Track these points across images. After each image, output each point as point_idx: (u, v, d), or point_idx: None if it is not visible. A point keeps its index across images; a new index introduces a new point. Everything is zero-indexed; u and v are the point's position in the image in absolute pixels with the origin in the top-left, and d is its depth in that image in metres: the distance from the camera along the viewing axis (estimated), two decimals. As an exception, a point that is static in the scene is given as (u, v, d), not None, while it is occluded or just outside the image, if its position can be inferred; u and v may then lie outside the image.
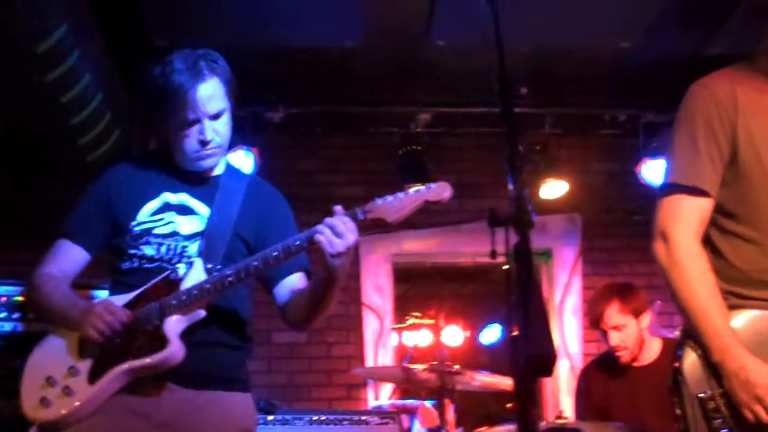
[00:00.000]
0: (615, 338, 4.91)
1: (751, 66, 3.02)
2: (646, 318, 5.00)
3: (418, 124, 7.02)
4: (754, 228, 2.88)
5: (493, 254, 2.11)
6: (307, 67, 6.48)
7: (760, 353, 2.72)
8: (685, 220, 2.88)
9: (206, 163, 3.23)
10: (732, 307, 2.82)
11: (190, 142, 3.16)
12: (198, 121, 3.12)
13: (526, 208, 2.07)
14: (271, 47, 6.16)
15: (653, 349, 5.00)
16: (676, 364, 2.82)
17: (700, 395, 2.74)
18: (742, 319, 2.80)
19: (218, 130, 3.16)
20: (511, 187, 2.13)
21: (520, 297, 1.95)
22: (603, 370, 5.13)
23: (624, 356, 4.93)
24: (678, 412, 2.80)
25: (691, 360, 2.79)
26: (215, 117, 3.14)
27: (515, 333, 1.90)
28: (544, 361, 1.84)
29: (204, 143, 3.15)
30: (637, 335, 4.93)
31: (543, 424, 4.59)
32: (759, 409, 2.65)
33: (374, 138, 7.45)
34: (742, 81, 2.96)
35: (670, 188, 2.93)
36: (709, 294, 2.79)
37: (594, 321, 5.00)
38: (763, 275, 2.84)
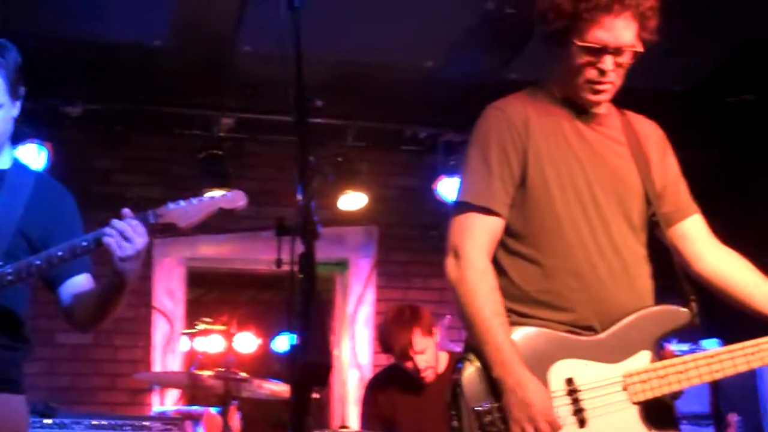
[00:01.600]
0: (422, 361, 4.93)
1: (542, 90, 3.13)
2: (438, 334, 5.09)
3: (221, 129, 6.95)
4: (537, 250, 2.96)
5: (279, 263, 2.11)
6: (110, 62, 6.31)
7: (534, 368, 2.80)
8: (477, 238, 2.93)
9: None
10: (512, 324, 2.88)
11: None
12: None
13: (313, 218, 2.08)
14: (72, 40, 5.96)
15: (441, 363, 5.09)
16: (456, 377, 2.86)
17: (476, 408, 2.79)
18: (519, 335, 2.87)
19: None
20: (299, 197, 2.13)
21: (301, 306, 1.96)
22: (390, 382, 5.17)
23: (429, 376, 4.98)
24: (455, 424, 2.83)
25: (469, 373, 2.83)
26: None
27: (293, 342, 1.91)
28: (319, 370, 1.85)
29: None
30: (435, 353, 5.01)
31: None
32: (529, 428, 2.72)
33: (176, 140, 7.33)
34: (534, 105, 3.06)
35: (464, 207, 2.98)
36: (495, 311, 2.85)
37: (401, 351, 4.96)
38: (543, 296, 2.93)
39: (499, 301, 2.88)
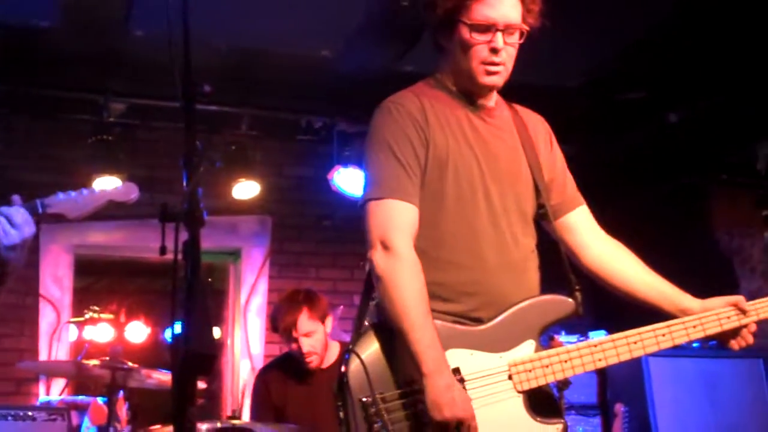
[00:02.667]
0: (306, 345, 4.94)
1: (437, 82, 3.15)
2: (330, 323, 5.10)
3: (111, 114, 6.82)
4: (429, 242, 2.97)
5: (163, 250, 2.07)
6: (-6, 43, 6.15)
7: None
8: (406, 232, 2.90)
9: None
10: None
11: None
12: None
13: (198, 205, 2.05)
14: (-44, 19, 5.79)
15: (332, 353, 5.09)
16: (343, 368, 2.85)
17: (363, 399, 2.79)
18: None
19: None
20: (185, 183, 2.10)
21: (185, 294, 1.93)
22: (282, 371, 5.17)
23: (314, 362, 4.99)
24: (341, 415, 2.84)
25: (356, 365, 2.83)
26: None
27: (177, 330, 1.88)
28: (202, 359, 1.82)
29: None
30: (324, 340, 5.01)
31: (211, 425, 4.56)
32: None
33: (65, 124, 7.15)
34: (429, 98, 3.08)
35: (385, 201, 2.93)
36: (427, 311, 2.82)
37: (285, 330, 4.99)
38: (432, 287, 2.91)
39: (428, 299, 2.85)
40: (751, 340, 3.16)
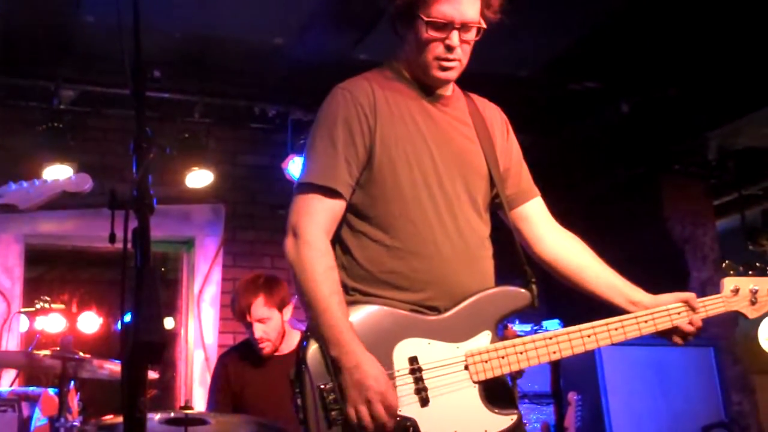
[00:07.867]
0: (258, 330, 4.94)
1: (391, 69, 3.13)
2: (289, 311, 5.08)
3: (62, 101, 6.74)
4: (382, 231, 2.96)
5: (112, 238, 2.03)
6: (-58, 29, 6.05)
7: (379, 346, 2.80)
8: (316, 218, 2.91)
9: None
10: (355, 303, 2.89)
11: None
12: None
13: (148, 192, 2.01)
14: None
15: (293, 341, 5.06)
16: (300, 354, 2.84)
17: (321, 386, 2.77)
18: (363, 312, 2.87)
19: None
20: (134, 169, 2.07)
21: (134, 282, 1.90)
22: (243, 357, 5.14)
23: (266, 348, 4.98)
24: (298, 401, 2.81)
25: (313, 350, 2.81)
26: None
27: (126, 319, 1.85)
28: (152, 347, 1.80)
29: None
30: (279, 328, 5.00)
31: (163, 415, 4.52)
32: (363, 410, 2.71)
33: (14, 111, 7.06)
34: (382, 84, 3.06)
35: (306, 186, 2.96)
36: (332, 291, 2.83)
37: (240, 313, 4.99)
38: (387, 276, 2.93)
39: (337, 281, 2.87)
40: (692, 329, 3.19)
